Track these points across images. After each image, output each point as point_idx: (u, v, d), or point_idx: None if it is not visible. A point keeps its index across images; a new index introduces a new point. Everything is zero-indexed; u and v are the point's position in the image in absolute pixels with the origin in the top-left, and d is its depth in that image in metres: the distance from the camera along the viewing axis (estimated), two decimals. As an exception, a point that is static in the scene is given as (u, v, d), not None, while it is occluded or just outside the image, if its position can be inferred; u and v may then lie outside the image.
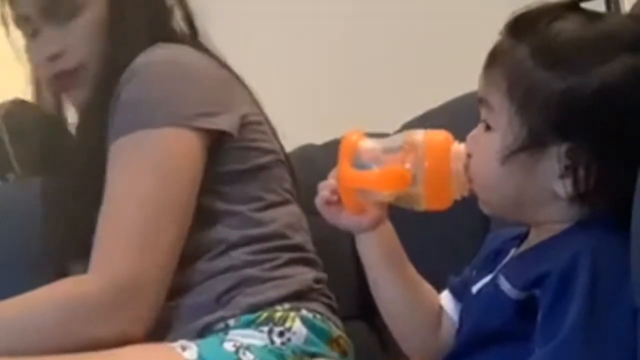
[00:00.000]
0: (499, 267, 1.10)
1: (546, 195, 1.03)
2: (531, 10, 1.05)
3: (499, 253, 1.13)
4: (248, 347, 1.25)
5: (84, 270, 1.29)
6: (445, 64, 2.14)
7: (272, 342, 1.28)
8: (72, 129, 1.49)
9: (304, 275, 1.37)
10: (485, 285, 1.09)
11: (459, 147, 1.07)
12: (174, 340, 1.26)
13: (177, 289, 1.31)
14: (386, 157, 1.09)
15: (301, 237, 1.42)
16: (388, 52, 2.25)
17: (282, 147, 1.48)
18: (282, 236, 1.39)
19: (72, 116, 1.51)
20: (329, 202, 1.14)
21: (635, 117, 0.99)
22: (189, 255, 1.32)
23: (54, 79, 1.43)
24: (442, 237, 1.50)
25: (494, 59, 1.05)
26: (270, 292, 1.33)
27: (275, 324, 1.29)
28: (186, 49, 1.42)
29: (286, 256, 1.37)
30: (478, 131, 1.08)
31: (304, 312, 1.32)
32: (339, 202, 1.14)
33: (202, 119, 1.32)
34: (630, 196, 0.97)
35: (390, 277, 1.18)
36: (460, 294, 1.17)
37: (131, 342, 1.24)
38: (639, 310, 0.94)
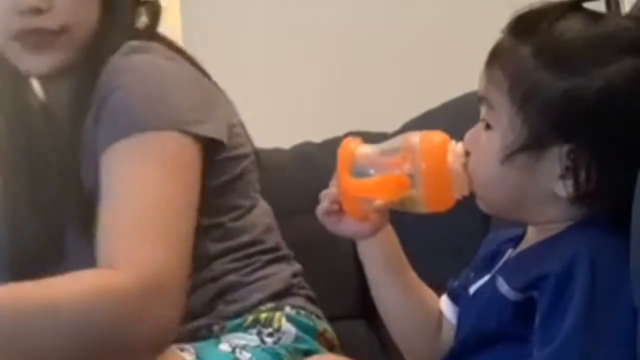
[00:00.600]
0: (496, 268, 1.09)
1: (545, 196, 1.03)
2: (533, 10, 1.05)
3: (496, 254, 1.13)
4: (244, 347, 1.25)
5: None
6: (445, 64, 2.14)
7: (264, 342, 1.27)
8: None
9: (283, 273, 1.37)
10: (483, 287, 1.09)
11: (456, 147, 1.07)
12: None
13: None
14: (384, 161, 1.09)
15: (276, 236, 1.42)
16: (388, 51, 2.25)
17: (252, 143, 1.44)
18: (261, 241, 1.38)
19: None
20: (329, 212, 1.15)
21: (637, 119, 0.99)
22: None
23: (27, 35, 1.30)
24: (442, 237, 1.50)
25: (496, 57, 1.05)
26: (253, 295, 1.32)
27: (263, 326, 1.29)
28: (164, 51, 1.35)
29: (264, 258, 1.36)
30: (477, 129, 1.07)
31: (287, 309, 1.32)
32: (339, 211, 1.14)
33: (198, 126, 1.28)
34: (628, 197, 0.97)
35: (392, 282, 1.18)
36: (458, 298, 1.17)
37: (161, 350, 1.16)
38: (639, 310, 0.94)
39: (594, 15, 1.05)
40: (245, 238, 1.35)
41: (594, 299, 0.95)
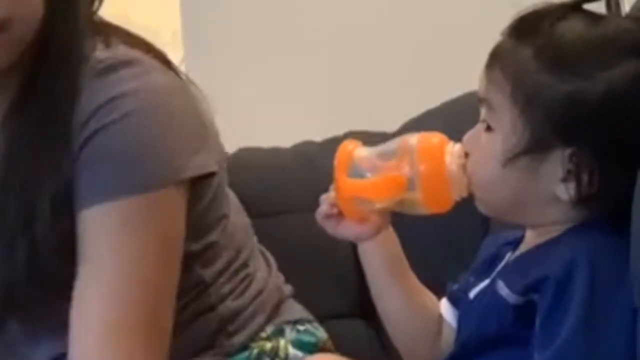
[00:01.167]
0: (496, 272, 1.09)
1: (546, 198, 1.03)
2: (535, 11, 1.04)
3: (495, 258, 1.13)
4: None
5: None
6: (445, 64, 2.14)
7: None
8: None
9: (271, 282, 1.33)
10: (483, 290, 1.09)
11: (454, 148, 1.07)
12: None
13: None
14: (382, 163, 1.09)
15: (250, 234, 1.36)
16: (388, 51, 2.25)
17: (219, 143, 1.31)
18: (241, 249, 1.30)
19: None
20: (328, 215, 1.14)
21: (639, 122, 0.99)
22: None
23: None
24: (442, 238, 1.50)
25: (497, 59, 1.05)
26: (253, 321, 1.27)
27: (270, 356, 1.25)
28: (152, 64, 1.17)
29: (250, 268, 1.30)
30: (477, 131, 1.07)
31: (287, 332, 1.29)
32: (338, 214, 1.14)
33: (191, 167, 1.14)
34: (628, 198, 0.97)
35: (392, 285, 1.18)
36: (458, 302, 1.17)
37: None
38: (639, 310, 0.94)
39: (595, 17, 1.05)
40: (231, 252, 1.27)
41: (593, 301, 0.95)
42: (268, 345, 1.26)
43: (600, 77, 0.99)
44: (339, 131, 1.66)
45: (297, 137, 1.70)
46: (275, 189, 1.61)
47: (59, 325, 1.12)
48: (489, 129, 1.05)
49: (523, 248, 1.09)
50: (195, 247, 1.20)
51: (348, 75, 2.24)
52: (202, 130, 1.19)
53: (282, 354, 1.26)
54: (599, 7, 1.09)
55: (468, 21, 2.15)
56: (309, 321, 1.35)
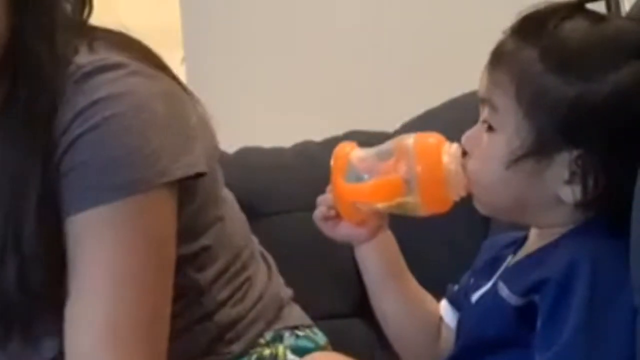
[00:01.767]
0: (497, 274, 1.09)
1: (549, 200, 1.02)
2: (538, 11, 1.04)
3: (496, 260, 1.12)
4: None
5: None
6: (445, 64, 2.14)
7: None
8: None
9: (271, 287, 1.31)
10: (485, 294, 1.08)
11: (451, 148, 1.06)
12: None
13: None
14: (379, 165, 1.08)
15: (254, 242, 1.35)
16: (388, 51, 2.25)
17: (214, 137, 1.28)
18: (240, 252, 1.28)
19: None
20: (326, 218, 1.14)
21: None
22: None
23: None
24: (442, 237, 1.50)
25: (500, 59, 1.04)
26: (251, 330, 1.26)
27: None
28: (137, 67, 1.14)
29: (251, 270, 1.29)
30: (478, 130, 1.07)
31: (286, 338, 1.28)
32: (336, 216, 1.13)
33: (177, 168, 1.12)
34: (630, 199, 0.97)
35: (390, 287, 1.18)
36: (458, 303, 1.17)
37: None
38: (639, 310, 0.94)
39: (597, 17, 1.04)
40: (227, 256, 1.25)
41: (594, 302, 0.94)
42: (267, 351, 1.25)
43: (605, 79, 0.98)
44: (339, 131, 1.66)
45: (297, 137, 1.70)
46: (276, 188, 1.61)
47: (59, 333, 1.11)
48: (491, 129, 1.04)
49: (526, 250, 1.09)
50: (188, 250, 1.19)
51: (348, 75, 2.24)
52: (188, 132, 1.16)
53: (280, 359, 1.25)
54: (599, 7, 1.08)
55: (468, 21, 2.16)
56: (309, 326, 1.34)
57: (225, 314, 1.24)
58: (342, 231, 1.15)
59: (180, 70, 2.65)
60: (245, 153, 1.69)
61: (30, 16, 1.10)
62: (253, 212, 1.60)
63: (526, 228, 1.11)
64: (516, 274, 1.04)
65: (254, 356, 1.25)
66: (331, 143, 1.61)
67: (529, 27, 1.03)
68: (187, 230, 1.18)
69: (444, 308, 1.19)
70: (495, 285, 1.05)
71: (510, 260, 1.10)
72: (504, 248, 1.13)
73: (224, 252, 1.25)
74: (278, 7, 2.31)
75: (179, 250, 1.15)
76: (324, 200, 1.15)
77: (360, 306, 1.51)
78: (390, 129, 1.63)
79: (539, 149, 1.00)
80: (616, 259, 0.96)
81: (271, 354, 1.25)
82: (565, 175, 1.00)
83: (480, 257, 1.18)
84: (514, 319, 1.00)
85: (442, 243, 1.50)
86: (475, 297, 1.10)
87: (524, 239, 1.11)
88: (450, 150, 1.06)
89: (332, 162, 1.12)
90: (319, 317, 1.49)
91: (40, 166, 1.09)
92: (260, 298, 1.29)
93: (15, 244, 1.09)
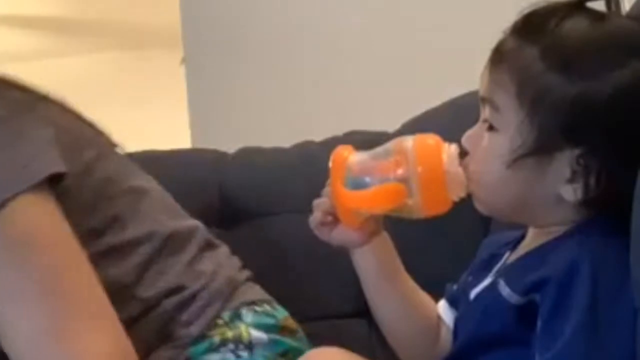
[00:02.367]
0: (495, 270, 1.09)
1: (551, 199, 1.02)
2: (538, 10, 1.04)
3: (494, 257, 1.12)
4: None
5: None
6: (445, 63, 2.14)
7: (240, 357, 1.24)
8: None
9: (220, 272, 1.32)
10: (484, 290, 1.08)
11: (450, 149, 1.06)
12: None
13: None
14: (378, 167, 1.07)
15: (198, 227, 1.35)
16: (388, 51, 2.25)
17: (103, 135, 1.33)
18: (171, 239, 1.29)
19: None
20: (323, 223, 1.14)
21: None
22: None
23: None
24: (442, 238, 1.50)
25: (501, 59, 1.04)
26: (206, 311, 1.26)
27: (234, 343, 1.25)
28: None
29: (188, 254, 1.30)
30: (478, 130, 1.06)
31: (244, 314, 1.28)
32: (332, 221, 1.13)
33: (26, 177, 1.14)
34: (630, 198, 0.97)
35: (388, 289, 1.18)
36: (457, 302, 1.17)
37: None
38: (639, 310, 0.94)
39: (598, 16, 1.04)
40: (149, 248, 1.27)
41: (595, 302, 0.94)
42: (229, 333, 1.26)
43: (607, 78, 0.98)
44: (339, 131, 1.66)
45: (297, 137, 1.70)
46: (276, 188, 1.61)
47: None
48: (492, 128, 1.04)
49: (524, 248, 1.08)
50: (95, 249, 1.20)
51: (348, 75, 2.24)
52: (34, 140, 1.18)
53: (244, 339, 1.26)
54: (599, 7, 1.08)
55: (468, 21, 2.16)
56: (267, 301, 1.34)
57: (169, 302, 1.25)
58: (338, 236, 1.14)
59: (180, 70, 2.65)
60: (245, 153, 1.69)
61: None
62: (253, 212, 1.61)
63: (525, 227, 1.11)
64: (517, 272, 1.03)
65: (217, 338, 1.26)
66: (331, 143, 1.62)
67: (529, 26, 1.03)
68: (90, 230, 1.20)
69: (443, 308, 1.19)
70: (494, 282, 1.05)
71: (507, 257, 1.10)
72: (502, 246, 1.13)
73: (143, 245, 1.26)
74: (278, 7, 2.31)
75: (86, 250, 1.17)
76: (320, 205, 1.14)
77: (362, 306, 1.51)
78: (390, 129, 1.62)
79: (540, 148, 1.00)
80: (617, 257, 0.96)
81: (234, 335, 1.26)
82: (567, 174, 1.00)
83: (479, 254, 1.18)
84: (514, 318, 1.00)
85: (441, 243, 1.50)
86: (473, 293, 1.10)
87: (522, 236, 1.11)
88: (449, 151, 1.05)
89: (330, 166, 1.11)
90: (319, 317, 1.49)
91: None
92: (211, 280, 1.29)
93: None
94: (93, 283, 1.15)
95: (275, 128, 2.04)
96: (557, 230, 1.03)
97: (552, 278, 0.96)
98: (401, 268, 1.18)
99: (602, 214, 1.02)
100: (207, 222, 1.47)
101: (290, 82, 2.27)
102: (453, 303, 1.18)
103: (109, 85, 5.34)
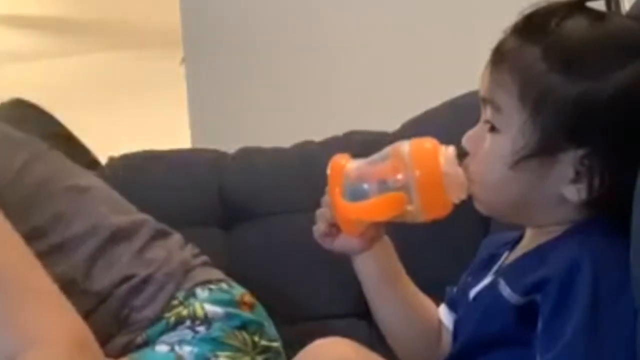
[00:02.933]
0: (493, 270, 1.09)
1: (553, 199, 1.02)
2: (539, 10, 1.03)
3: (493, 257, 1.12)
4: (180, 342, 1.24)
5: None
6: (446, 63, 2.14)
7: (197, 332, 1.26)
8: None
9: (173, 256, 1.34)
10: (484, 290, 1.08)
11: (447, 151, 1.05)
12: None
13: None
14: (374, 170, 1.07)
15: (145, 218, 1.38)
16: (388, 51, 2.25)
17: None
18: (119, 231, 1.33)
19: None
20: (326, 234, 1.14)
21: None
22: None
23: None
24: (441, 239, 1.49)
25: (502, 59, 1.03)
26: (160, 294, 1.29)
27: (190, 319, 1.27)
28: None
29: (137, 243, 1.33)
30: (479, 131, 1.06)
31: (199, 293, 1.30)
32: (335, 231, 1.13)
33: None
34: (631, 198, 0.96)
35: (389, 295, 1.17)
36: (456, 305, 1.16)
37: None
38: (639, 310, 0.94)
39: (598, 15, 1.04)
40: (93, 244, 1.30)
41: (596, 302, 0.94)
42: (184, 311, 1.28)
43: (609, 78, 0.98)
44: (339, 131, 1.65)
45: (297, 137, 1.70)
46: (276, 188, 1.61)
47: None
48: (493, 129, 1.04)
49: (523, 247, 1.08)
50: (39, 248, 1.22)
51: (348, 76, 2.24)
52: None
53: (200, 314, 1.28)
54: (599, 6, 1.08)
55: (468, 21, 2.16)
56: (222, 280, 1.35)
57: (120, 291, 1.27)
58: (340, 244, 1.14)
59: (180, 70, 2.65)
60: (245, 153, 1.69)
61: None
62: (253, 212, 1.61)
63: (524, 228, 1.11)
64: (517, 272, 1.03)
65: (172, 318, 1.28)
66: (331, 143, 1.62)
67: (530, 26, 1.03)
68: (33, 230, 1.24)
69: (443, 312, 1.19)
70: (494, 282, 1.04)
71: (506, 256, 1.10)
72: (501, 246, 1.13)
73: (88, 240, 1.29)
74: (278, 7, 2.31)
75: (32, 249, 1.19)
76: (323, 217, 1.13)
77: (362, 307, 1.51)
78: (390, 129, 1.62)
79: (543, 149, 1.00)
80: (617, 257, 0.95)
81: (189, 313, 1.28)
82: (571, 174, 1.00)
83: (478, 255, 1.18)
84: (514, 318, 1.00)
85: (441, 244, 1.50)
86: (472, 293, 1.10)
87: (521, 236, 1.11)
88: (446, 153, 1.05)
89: (328, 177, 1.11)
90: (319, 317, 1.49)
91: None
92: (163, 265, 1.32)
93: None
94: (44, 275, 1.18)
95: (275, 128, 2.04)
96: (556, 230, 1.03)
97: (553, 278, 0.96)
98: (402, 272, 1.18)
99: (602, 214, 1.02)
100: (207, 222, 1.48)
101: (290, 82, 2.27)
102: (452, 306, 1.17)
103: (108, 85, 5.35)
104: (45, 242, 1.26)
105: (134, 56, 5.28)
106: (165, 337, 1.26)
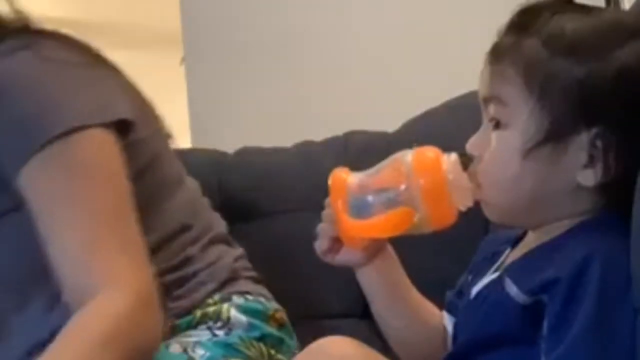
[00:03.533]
0: (495, 267, 1.08)
1: (568, 187, 1.01)
2: (531, 6, 1.05)
3: (494, 255, 1.12)
4: (195, 344, 1.25)
5: None
6: (445, 63, 2.14)
7: (215, 335, 1.27)
8: None
9: (225, 259, 1.37)
10: (486, 288, 1.07)
11: (450, 157, 1.04)
12: None
13: None
14: (377, 181, 1.06)
15: (207, 216, 1.41)
16: (388, 51, 2.25)
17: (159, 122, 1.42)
18: (189, 227, 1.36)
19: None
20: (330, 249, 1.13)
21: None
22: None
23: None
24: (442, 241, 1.49)
25: (502, 55, 1.04)
26: (199, 289, 1.31)
27: (212, 320, 1.29)
28: (47, 46, 1.27)
29: (199, 245, 1.36)
30: (483, 134, 1.06)
31: (235, 299, 1.32)
32: (338, 246, 1.12)
33: (101, 114, 1.23)
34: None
35: (394, 306, 1.17)
36: (455, 308, 1.16)
37: None
38: (639, 310, 0.93)
39: (588, 9, 1.06)
40: (173, 225, 1.33)
41: (603, 304, 0.94)
42: (211, 309, 1.30)
43: (612, 57, 0.99)
44: (339, 131, 1.66)
45: (297, 137, 1.70)
46: (276, 188, 1.61)
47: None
48: (499, 126, 1.04)
49: (527, 245, 1.08)
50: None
51: (348, 76, 2.24)
52: (105, 94, 1.27)
53: (224, 317, 1.29)
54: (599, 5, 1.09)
55: (468, 21, 2.16)
56: (263, 295, 1.36)
57: (167, 279, 1.28)
58: (343, 257, 1.13)
59: (180, 70, 2.65)
60: (245, 153, 1.69)
61: None
62: (253, 211, 1.61)
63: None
64: (524, 271, 1.02)
65: (199, 313, 1.29)
66: (331, 143, 1.62)
67: (524, 22, 1.04)
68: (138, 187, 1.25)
69: (446, 318, 1.18)
70: (499, 279, 1.04)
71: (508, 253, 1.09)
72: (502, 243, 1.12)
73: (167, 225, 1.32)
74: (278, 7, 2.31)
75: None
76: (324, 232, 1.12)
77: (363, 307, 1.51)
78: (390, 129, 1.63)
79: (555, 134, 1.00)
80: (624, 256, 0.95)
81: (215, 311, 1.30)
82: (584, 159, 1.00)
83: (479, 253, 1.17)
84: (518, 316, 0.99)
85: (441, 245, 1.50)
86: (474, 291, 1.09)
87: (523, 233, 1.10)
88: (449, 160, 1.04)
89: (330, 192, 1.09)
90: (319, 317, 1.49)
91: None
92: (212, 264, 1.34)
93: None
94: (135, 224, 1.21)
95: (275, 128, 2.04)
96: (564, 226, 1.03)
97: (561, 279, 0.95)
98: (406, 281, 1.17)
99: (608, 211, 1.01)
100: (207, 222, 1.47)
101: (290, 82, 2.27)
102: (451, 310, 1.17)
103: (109, 85, 5.34)
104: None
105: (134, 56, 5.28)
106: (182, 337, 1.26)
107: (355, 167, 1.11)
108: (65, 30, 1.37)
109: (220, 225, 1.43)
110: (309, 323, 1.48)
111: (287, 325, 1.36)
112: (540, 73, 1.00)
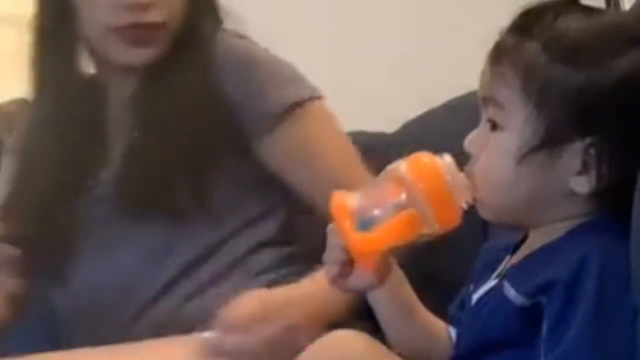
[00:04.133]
0: (496, 274, 1.08)
1: (562, 193, 1.02)
2: (535, 7, 1.04)
3: (493, 262, 1.11)
4: None
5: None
6: (445, 64, 2.14)
7: None
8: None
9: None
10: (487, 294, 1.07)
11: (444, 158, 1.03)
12: None
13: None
14: (378, 196, 1.03)
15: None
16: (388, 51, 2.25)
17: None
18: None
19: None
20: (341, 275, 1.06)
21: None
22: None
23: (132, 29, 1.38)
24: (442, 241, 1.49)
25: (502, 56, 1.04)
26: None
27: None
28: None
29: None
30: (481, 132, 1.06)
31: None
32: (348, 270, 1.07)
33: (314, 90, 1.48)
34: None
35: (405, 325, 1.15)
36: (457, 319, 1.15)
37: None
38: (639, 310, 0.93)
39: (592, 10, 1.06)
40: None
41: (602, 303, 0.94)
42: None
43: (611, 65, 0.99)
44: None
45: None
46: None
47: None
48: (496, 127, 1.04)
49: (526, 249, 1.07)
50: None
51: (348, 75, 2.24)
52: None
53: None
54: (599, 5, 1.09)
55: (468, 21, 2.15)
56: None
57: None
58: (354, 282, 1.06)
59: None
60: (246, 153, 1.68)
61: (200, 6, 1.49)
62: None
63: (525, 231, 1.10)
64: (522, 274, 1.02)
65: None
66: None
67: (527, 23, 1.03)
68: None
69: (453, 332, 1.17)
70: (498, 284, 1.04)
71: (508, 260, 1.09)
72: (501, 250, 1.12)
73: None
74: (278, 7, 2.31)
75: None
76: (334, 259, 1.05)
77: (367, 309, 1.50)
78: (390, 129, 1.63)
79: (550, 140, 1.00)
80: (622, 257, 0.96)
81: None
82: (578, 165, 1.00)
83: (478, 262, 1.16)
84: (518, 319, 0.99)
85: (442, 247, 1.50)
86: (475, 297, 1.09)
87: (522, 239, 1.10)
88: (444, 160, 1.03)
89: (334, 217, 1.05)
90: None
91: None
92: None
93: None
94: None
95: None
96: (562, 228, 1.03)
97: (558, 280, 0.95)
98: (416, 300, 1.15)
99: (606, 212, 1.01)
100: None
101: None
102: (454, 324, 1.16)
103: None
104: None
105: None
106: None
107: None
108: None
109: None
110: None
111: None
112: (538, 79, 1.00)
